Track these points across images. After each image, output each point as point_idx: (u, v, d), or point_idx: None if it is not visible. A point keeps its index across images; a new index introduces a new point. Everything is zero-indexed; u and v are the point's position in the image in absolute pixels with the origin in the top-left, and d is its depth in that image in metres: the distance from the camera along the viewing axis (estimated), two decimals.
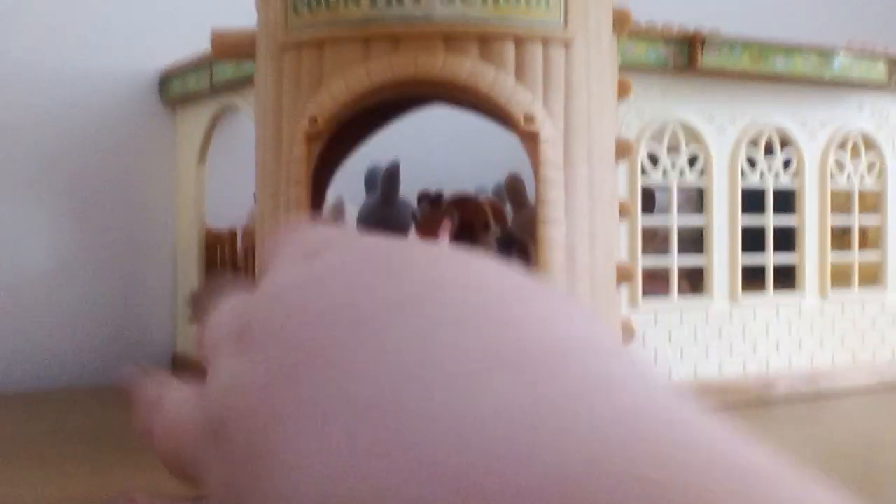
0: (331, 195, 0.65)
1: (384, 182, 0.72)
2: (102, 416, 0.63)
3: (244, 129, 0.80)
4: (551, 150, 0.49)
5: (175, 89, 0.79)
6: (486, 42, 0.48)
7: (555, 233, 0.49)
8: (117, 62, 0.80)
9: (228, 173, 0.81)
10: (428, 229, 0.66)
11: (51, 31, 0.78)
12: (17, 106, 0.77)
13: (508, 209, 0.75)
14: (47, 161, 0.78)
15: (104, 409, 0.66)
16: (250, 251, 0.73)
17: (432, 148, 0.89)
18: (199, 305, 0.67)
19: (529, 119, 0.48)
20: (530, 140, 0.49)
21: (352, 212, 0.77)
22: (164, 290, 0.82)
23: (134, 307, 0.81)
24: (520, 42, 0.48)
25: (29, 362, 0.77)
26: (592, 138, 0.51)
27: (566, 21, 0.49)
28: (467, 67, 0.48)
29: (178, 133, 0.82)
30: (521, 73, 0.49)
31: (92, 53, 0.79)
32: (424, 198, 0.80)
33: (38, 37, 0.78)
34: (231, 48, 0.54)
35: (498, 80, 0.48)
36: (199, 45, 0.72)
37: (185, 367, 0.79)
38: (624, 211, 0.55)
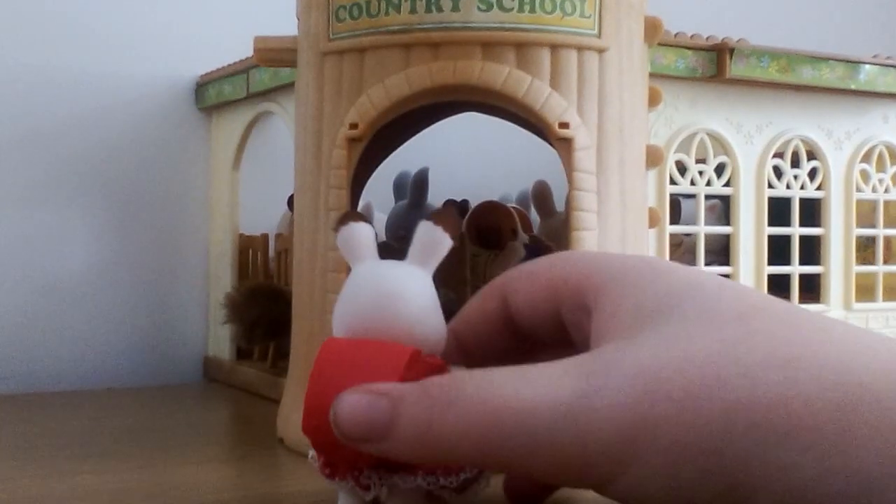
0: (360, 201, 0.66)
1: (413, 187, 0.73)
2: (140, 416, 0.64)
3: (277, 135, 0.81)
4: (585, 156, 0.50)
5: (211, 96, 0.80)
6: (522, 49, 0.48)
7: (587, 239, 0.49)
8: (154, 69, 0.82)
9: (261, 179, 0.82)
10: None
11: (88, 38, 0.80)
12: (55, 111, 0.79)
13: (533, 216, 0.76)
14: (84, 166, 0.79)
15: (140, 410, 0.67)
16: (283, 256, 0.74)
17: (458, 157, 0.90)
18: (233, 308, 0.67)
19: (564, 126, 0.49)
20: (564, 147, 0.49)
21: (380, 218, 0.78)
22: (197, 295, 0.83)
23: (167, 311, 0.82)
24: (555, 50, 0.49)
25: (64, 363, 0.78)
26: (624, 145, 0.52)
27: (600, 30, 0.50)
28: (504, 74, 0.48)
29: (212, 139, 0.83)
30: (556, 80, 0.49)
31: (129, 61, 0.81)
32: (450, 205, 0.81)
33: (75, 44, 0.79)
34: (273, 54, 0.55)
35: (533, 87, 0.49)
36: (235, 52, 0.73)
37: (216, 370, 0.80)
38: (654, 218, 0.55)
